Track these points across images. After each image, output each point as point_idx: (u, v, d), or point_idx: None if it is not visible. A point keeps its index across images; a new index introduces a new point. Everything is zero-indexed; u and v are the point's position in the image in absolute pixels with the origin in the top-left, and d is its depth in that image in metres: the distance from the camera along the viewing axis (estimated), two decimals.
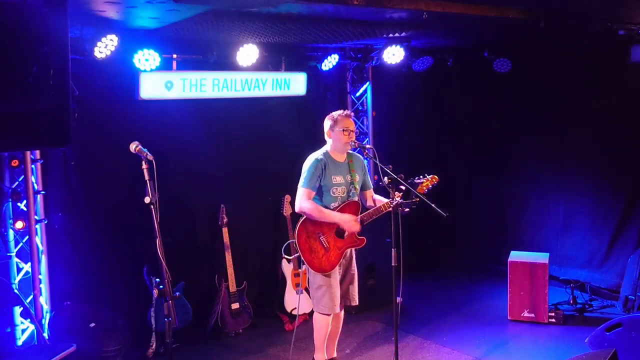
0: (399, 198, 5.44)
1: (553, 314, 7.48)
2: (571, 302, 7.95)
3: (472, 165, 9.72)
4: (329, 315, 5.85)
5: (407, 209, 5.44)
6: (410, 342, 7.05)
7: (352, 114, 6.12)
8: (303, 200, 5.68)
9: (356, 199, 5.93)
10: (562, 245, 8.84)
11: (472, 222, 9.68)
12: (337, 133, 5.79)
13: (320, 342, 6.03)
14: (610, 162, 8.32)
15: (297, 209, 5.76)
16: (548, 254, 7.76)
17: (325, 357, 6.11)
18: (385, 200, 5.73)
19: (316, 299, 5.84)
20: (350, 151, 6.01)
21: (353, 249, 5.99)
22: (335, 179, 5.80)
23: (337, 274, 5.84)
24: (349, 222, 5.72)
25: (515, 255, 7.75)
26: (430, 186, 5.66)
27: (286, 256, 7.23)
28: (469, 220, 9.64)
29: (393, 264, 5.30)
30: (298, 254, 5.79)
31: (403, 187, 5.49)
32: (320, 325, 5.92)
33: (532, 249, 8.20)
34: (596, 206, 8.53)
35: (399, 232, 5.26)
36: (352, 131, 5.80)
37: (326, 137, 5.90)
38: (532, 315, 7.51)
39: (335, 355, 6.23)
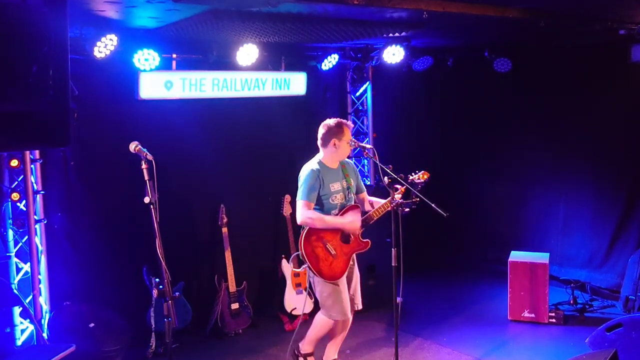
0: (399, 198, 5.45)
1: (553, 314, 7.49)
2: (571, 302, 7.96)
3: (472, 165, 9.72)
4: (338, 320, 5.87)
5: (407, 209, 5.43)
6: (410, 343, 7.06)
7: (351, 124, 6.16)
8: (304, 212, 5.62)
9: (353, 202, 5.94)
10: (562, 245, 8.85)
11: (472, 222, 9.68)
12: (343, 144, 5.75)
13: (315, 339, 6.05)
14: (611, 162, 8.32)
15: (299, 221, 5.69)
16: (548, 253, 7.77)
17: (312, 349, 6.12)
18: (383, 201, 5.74)
19: (327, 307, 5.80)
20: None
21: (355, 255, 5.99)
22: (333, 186, 5.78)
23: (344, 280, 5.83)
24: (351, 223, 5.71)
25: (516, 255, 7.76)
26: (422, 181, 5.66)
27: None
28: (469, 220, 9.64)
29: (393, 264, 5.31)
30: (306, 265, 5.70)
31: (403, 187, 5.50)
32: (322, 324, 5.91)
33: (533, 249, 8.21)
34: (596, 205, 8.54)
35: (399, 232, 5.26)
36: (353, 142, 5.82)
37: (323, 146, 5.82)
38: (533, 315, 7.51)
39: (335, 357, 6.21)
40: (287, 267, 7.68)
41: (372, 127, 9.34)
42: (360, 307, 6.08)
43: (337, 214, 5.78)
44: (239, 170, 7.98)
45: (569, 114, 8.60)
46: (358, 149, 5.91)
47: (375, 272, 7.98)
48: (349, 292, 5.92)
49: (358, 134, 9.34)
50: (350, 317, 5.93)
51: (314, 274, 5.69)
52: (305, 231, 5.69)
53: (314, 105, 8.56)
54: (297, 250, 5.77)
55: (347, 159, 6.06)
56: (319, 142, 5.83)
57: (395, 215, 5.35)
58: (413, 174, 5.68)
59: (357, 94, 9.34)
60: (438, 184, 5.85)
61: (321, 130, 5.81)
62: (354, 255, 5.96)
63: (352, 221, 5.71)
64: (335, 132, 5.74)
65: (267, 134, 8.19)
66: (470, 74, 9.15)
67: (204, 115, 7.55)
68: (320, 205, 5.75)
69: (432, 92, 9.75)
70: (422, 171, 5.70)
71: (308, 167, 5.76)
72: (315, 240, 5.70)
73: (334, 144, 5.75)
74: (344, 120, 5.85)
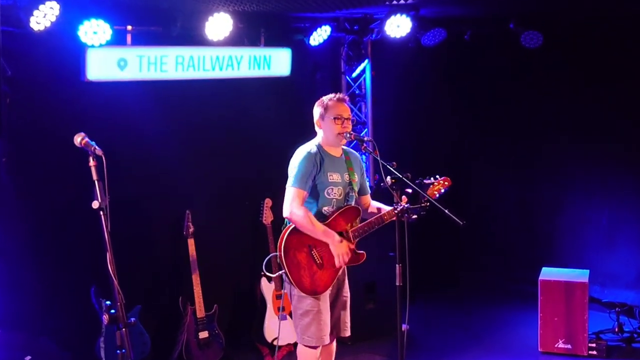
0: (405, 202, 5.47)
1: (594, 345, 7.53)
2: (616, 329, 7.99)
3: (495, 163, 9.77)
4: (316, 348, 5.77)
5: (414, 216, 5.41)
6: None
7: (347, 98, 6.03)
8: (294, 204, 5.56)
9: (354, 204, 5.88)
10: (605, 261, 8.91)
11: (495, 231, 9.73)
12: (328, 122, 5.73)
13: None
14: None
15: (285, 214, 5.62)
16: (588, 271, 7.80)
17: None
18: (388, 208, 5.70)
19: (301, 328, 5.73)
20: (345, 147, 5.97)
21: (345, 268, 5.92)
22: (331, 176, 5.72)
23: (327, 297, 5.76)
24: (341, 249, 5.62)
25: (548, 273, 7.80)
26: (442, 190, 5.67)
27: (267, 273, 7.17)
28: (491, 230, 9.70)
29: (397, 283, 5.31)
30: (283, 271, 5.65)
31: (410, 190, 5.51)
32: (306, 357, 5.88)
33: (569, 265, 8.24)
34: None
35: (404, 244, 5.26)
36: (346, 119, 5.73)
37: (316, 128, 5.86)
38: (569, 346, 7.56)
39: None
40: (267, 288, 7.72)
41: (371, 116, 9.38)
42: (348, 332, 6.01)
43: (331, 214, 5.74)
44: (209, 169, 8.01)
45: (614, 102, 8.63)
46: (354, 142, 5.89)
47: (375, 293, 8.02)
48: (335, 313, 5.87)
49: (355, 124, 9.27)
50: (330, 343, 5.85)
51: (291, 283, 5.66)
52: (290, 229, 5.62)
53: (301, 88, 8.59)
54: (279, 264, 5.69)
55: (353, 151, 6.07)
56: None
57: (400, 223, 5.36)
58: (431, 178, 5.67)
59: (354, 74, 9.39)
60: (452, 186, 5.87)
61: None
62: (345, 269, 5.91)
63: (343, 250, 5.62)
64: (319, 109, 5.80)
65: (243, 124, 8.23)
66: (491, 51, 9.21)
67: (166, 101, 7.57)
68: (314, 198, 5.70)
69: (444, 73, 9.79)
70: (443, 177, 5.68)
71: (304, 149, 5.73)
72: (300, 243, 5.63)
73: (319, 125, 5.79)
74: (333, 94, 5.86)
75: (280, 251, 5.60)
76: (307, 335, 5.70)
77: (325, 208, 5.73)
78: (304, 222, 5.56)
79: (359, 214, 5.83)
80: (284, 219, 5.70)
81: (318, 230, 5.61)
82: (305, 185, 5.59)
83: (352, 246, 5.71)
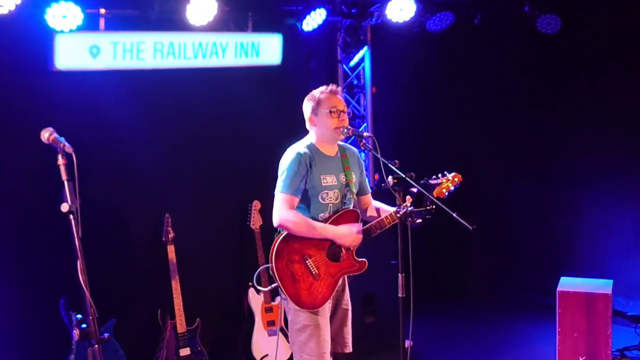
0: (409, 205, 5.46)
1: None
2: None
3: (507, 162, 9.79)
4: None
5: (419, 220, 5.40)
6: None
7: (341, 89, 6.02)
8: (284, 211, 5.55)
9: (352, 206, 5.87)
10: (629, 270, 8.93)
11: (507, 237, 9.74)
12: (322, 117, 5.71)
13: None
14: None
15: (275, 222, 5.62)
16: (611, 281, 7.79)
17: None
18: (390, 208, 5.68)
19: (298, 344, 5.71)
20: (342, 143, 5.96)
21: (345, 277, 5.91)
22: (325, 179, 5.71)
23: (327, 310, 5.75)
24: (348, 236, 5.64)
25: (567, 283, 7.80)
26: (452, 188, 5.64)
27: (258, 287, 7.14)
28: (503, 235, 9.71)
29: (400, 295, 5.32)
30: (275, 284, 5.62)
31: (414, 190, 5.49)
32: None
33: (589, 275, 8.26)
34: None
35: (408, 252, 5.25)
36: (342, 112, 5.71)
37: (308, 125, 5.83)
38: None
39: None
40: (256, 300, 7.72)
41: (371, 109, 9.38)
42: (349, 349, 5.99)
43: (327, 220, 5.73)
44: (191, 168, 8.02)
45: None
46: (353, 137, 5.85)
47: (375, 306, 8.04)
48: (334, 327, 5.86)
49: (353, 119, 9.35)
50: None
51: (286, 297, 5.63)
52: (282, 237, 5.60)
53: (293, 78, 8.62)
54: (270, 272, 5.64)
55: (350, 146, 6.07)
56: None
57: (403, 228, 5.35)
58: (439, 176, 5.64)
59: (352, 63, 9.40)
60: (461, 186, 5.86)
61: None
62: (344, 278, 5.91)
63: (347, 234, 5.64)
64: (311, 104, 5.77)
65: (229, 118, 8.24)
66: (504, 37, 9.21)
67: (143, 93, 7.57)
68: (306, 204, 5.70)
69: (452, 61, 9.81)
70: (453, 173, 5.65)
71: (293, 150, 5.71)
72: (293, 252, 5.61)
73: (311, 121, 5.76)
74: (325, 86, 5.83)
75: (272, 263, 5.56)
76: (306, 353, 5.68)
77: (321, 214, 5.72)
78: (298, 225, 5.54)
79: (358, 218, 5.81)
80: (275, 229, 5.68)
81: (316, 229, 5.60)
82: (295, 190, 5.58)
83: (359, 237, 5.67)
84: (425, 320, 7.87)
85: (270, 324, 7.67)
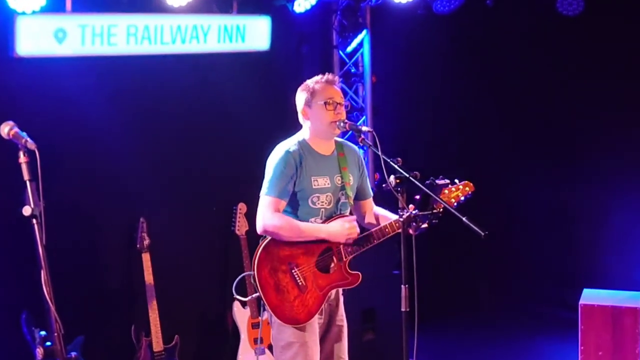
0: (413, 208, 5.43)
1: None
2: None
3: (524, 158, 9.80)
4: None
5: (424, 225, 5.40)
6: None
7: (338, 79, 5.99)
8: (268, 214, 5.53)
9: (348, 212, 5.85)
10: None
11: (524, 244, 9.75)
12: (316, 109, 5.67)
13: None
14: None
15: (259, 228, 5.61)
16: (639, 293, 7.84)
17: None
18: (392, 216, 5.63)
19: None
20: (340, 139, 5.95)
21: (340, 289, 5.91)
22: (316, 181, 5.69)
23: (315, 326, 5.72)
24: (340, 231, 5.60)
25: (590, 296, 7.81)
26: (463, 198, 5.61)
27: (239, 297, 7.12)
28: (519, 242, 9.72)
29: (403, 309, 5.31)
30: (257, 294, 5.63)
31: (417, 197, 5.47)
32: None
33: (616, 287, 8.27)
34: None
35: (412, 261, 5.24)
36: (339, 104, 5.67)
37: (301, 119, 5.81)
38: None
39: None
40: (241, 314, 7.72)
41: (370, 100, 9.39)
42: None
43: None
44: (168, 167, 8.02)
45: None
46: (350, 133, 5.85)
47: (375, 321, 8.05)
48: (327, 346, 5.85)
49: (351, 111, 9.34)
50: None
51: (267, 310, 5.63)
52: (266, 242, 5.60)
53: (283, 66, 8.64)
54: (252, 281, 5.62)
55: (350, 144, 6.04)
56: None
57: (406, 234, 5.32)
58: (448, 181, 5.62)
59: (349, 49, 9.40)
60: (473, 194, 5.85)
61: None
62: (340, 291, 5.92)
63: (340, 228, 5.62)
64: (304, 95, 5.73)
65: (212, 111, 8.24)
66: (520, 19, 9.22)
67: (115, 82, 7.55)
68: (294, 208, 5.69)
69: (461, 47, 9.83)
70: (464, 181, 5.61)
71: (281, 148, 5.68)
72: (279, 260, 5.60)
73: (305, 113, 5.73)
74: (320, 76, 5.80)
75: (253, 270, 5.56)
76: None
77: (312, 220, 5.69)
78: (283, 229, 5.53)
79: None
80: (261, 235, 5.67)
81: (304, 231, 5.59)
82: (281, 192, 5.56)
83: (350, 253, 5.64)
84: (431, 337, 7.88)
85: (257, 341, 7.64)
